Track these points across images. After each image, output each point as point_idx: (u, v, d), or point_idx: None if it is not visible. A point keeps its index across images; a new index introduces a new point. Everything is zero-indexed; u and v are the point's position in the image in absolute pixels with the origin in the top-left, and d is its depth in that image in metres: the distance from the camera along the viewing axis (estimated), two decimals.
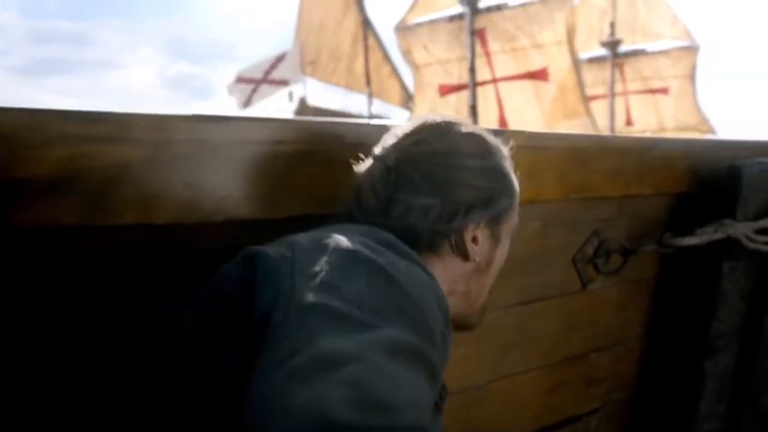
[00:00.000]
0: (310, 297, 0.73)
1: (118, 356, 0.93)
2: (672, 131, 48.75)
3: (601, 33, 47.16)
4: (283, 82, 33.84)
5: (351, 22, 38.59)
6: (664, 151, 1.77)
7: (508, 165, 1.09)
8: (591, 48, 47.93)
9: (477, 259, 1.03)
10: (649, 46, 48.18)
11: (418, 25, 41.75)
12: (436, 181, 0.98)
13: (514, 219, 1.11)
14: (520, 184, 1.56)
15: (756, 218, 1.80)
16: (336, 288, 0.75)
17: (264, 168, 1.07)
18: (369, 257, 0.81)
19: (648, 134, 47.31)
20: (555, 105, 40.27)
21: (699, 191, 1.84)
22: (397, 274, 0.80)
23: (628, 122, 49.62)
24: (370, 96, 38.14)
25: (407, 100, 41.24)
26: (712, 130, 47.54)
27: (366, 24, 38.64)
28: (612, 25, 46.65)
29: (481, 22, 40.74)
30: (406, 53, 42.19)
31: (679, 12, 46.73)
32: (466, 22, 40.49)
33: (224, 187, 1.03)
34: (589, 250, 1.68)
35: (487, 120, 42.31)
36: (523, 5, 39.92)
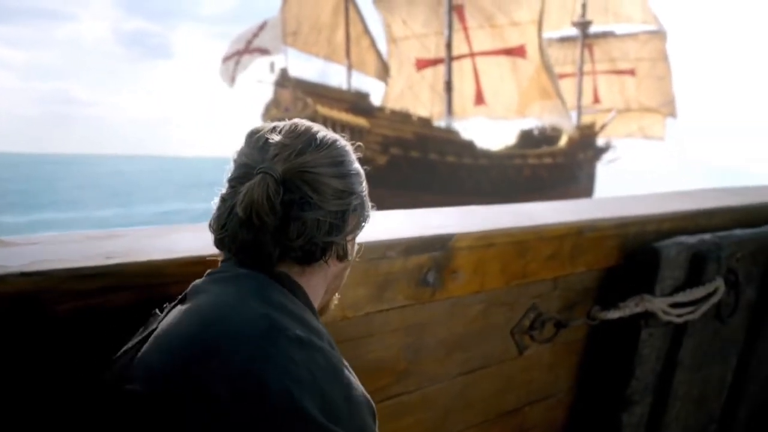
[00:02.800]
0: None
1: None
2: (636, 111, 49.36)
3: (574, 12, 47.16)
4: (263, 51, 33.25)
5: None
6: (596, 231, 1.95)
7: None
8: (562, 27, 48.00)
9: (350, 258, 1.08)
10: (618, 29, 48.42)
11: None
12: (323, 192, 0.96)
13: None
14: (466, 279, 1.74)
15: (672, 293, 2.01)
16: None
17: None
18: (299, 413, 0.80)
19: (613, 113, 47.84)
20: (531, 83, 40.43)
21: (625, 263, 2.03)
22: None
23: (596, 100, 50.05)
24: (350, 68, 37.70)
25: (384, 73, 40.96)
26: (673, 113, 48.14)
27: None
28: (584, 5, 46.68)
29: None
30: (386, 26, 41.90)
31: None
32: None
33: None
34: (526, 322, 1.86)
35: (463, 94, 42.36)
36: None
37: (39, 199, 41.78)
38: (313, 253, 0.99)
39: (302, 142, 0.98)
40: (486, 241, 1.67)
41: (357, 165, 1.05)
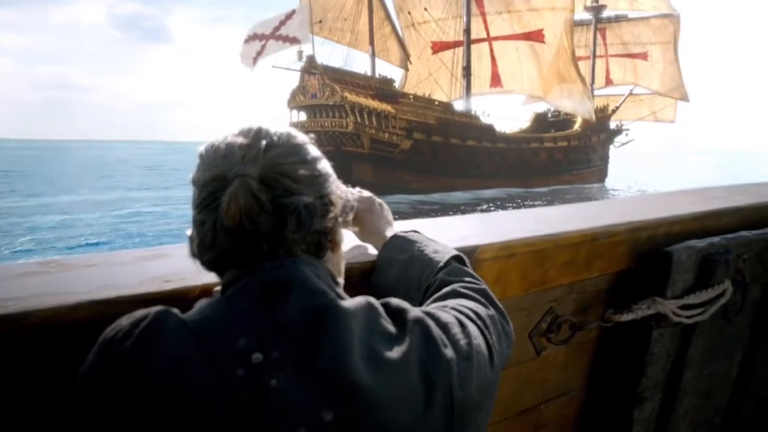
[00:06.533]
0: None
1: None
2: (648, 95, 48.57)
3: None
4: (291, 39, 33.02)
5: None
6: (610, 237, 1.93)
7: None
8: (576, 11, 47.34)
9: (342, 246, 1.06)
10: (631, 13, 47.56)
11: None
12: (301, 181, 0.90)
13: None
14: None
15: (682, 295, 1.99)
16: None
17: None
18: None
19: (625, 96, 47.13)
20: (551, 68, 39.95)
21: (637, 267, 2.02)
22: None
23: (608, 83, 49.36)
24: (373, 55, 37.43)
25: (406, 59, 40.69)
26: (684, 97, 47.27)
27: None
28: None
29: None
30: (405, 13, 41.55)
31: None
32: None
33: None
34: (543, 325, 1.86)
35: (480, 75, 42.02)
36: None
37: (41, 184, 42.86)
38: (319, 243, 0.94)
39: (262, 138, 0.91)
40: (508, 252, 1.67)
41: (312, 149, 0.97)
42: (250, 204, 0.85)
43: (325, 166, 0.97)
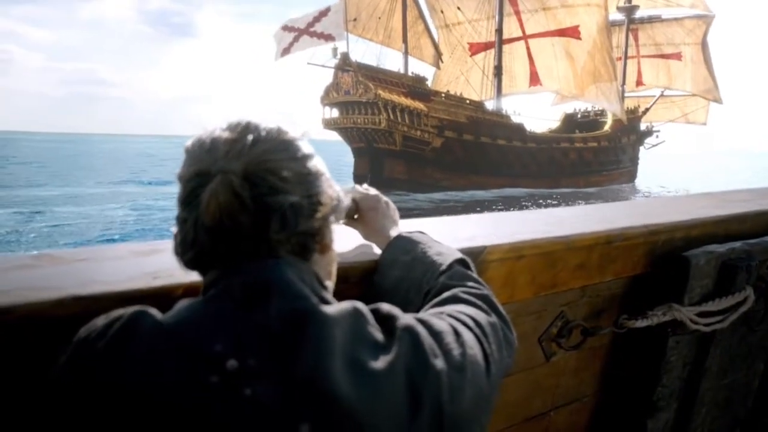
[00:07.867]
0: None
1: None
2: (680, 96, 47.46)
3: None
4: (325, 36, 33.06)
5: None
6: (625, 240, 1.83)
7: None
8: (609, 11, 46.52)
9: (333, 247, 0.99)
10: (664, 13, 46.50)
11: None
12: (288, 179, 0.84)
13: None
14: (496, 291, 1.66)
15: (700, 302, 1.89)
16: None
17: None
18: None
19: (656, 98, 46.19)
20: (585, 66, 39.34)
21: (653, 272, 1.92)
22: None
23: (639, 83, 48.39)
24: (406, 53, 37.27)
25: (438, 58, 40.45)
26: (717, 99, 46.01)
27: None
28: None
29: None
30: (438, 12, 41.35)
31: None
32: None
33: None
34: (554, 330, 1.77)
35: (519, 75, 41.58)
36: None
37: (68, 176, 44.17)
38: (305, 245, 0.88)
39: (250, 132, 0.85)
40: (516, 253, 1.58)
41: (303, 146, 0.91)
42: (230, 201, 0.80)
43: (316, 163, 0.91)
